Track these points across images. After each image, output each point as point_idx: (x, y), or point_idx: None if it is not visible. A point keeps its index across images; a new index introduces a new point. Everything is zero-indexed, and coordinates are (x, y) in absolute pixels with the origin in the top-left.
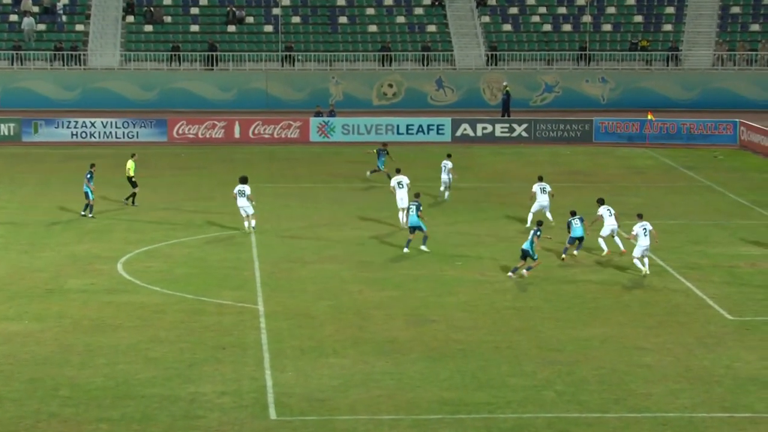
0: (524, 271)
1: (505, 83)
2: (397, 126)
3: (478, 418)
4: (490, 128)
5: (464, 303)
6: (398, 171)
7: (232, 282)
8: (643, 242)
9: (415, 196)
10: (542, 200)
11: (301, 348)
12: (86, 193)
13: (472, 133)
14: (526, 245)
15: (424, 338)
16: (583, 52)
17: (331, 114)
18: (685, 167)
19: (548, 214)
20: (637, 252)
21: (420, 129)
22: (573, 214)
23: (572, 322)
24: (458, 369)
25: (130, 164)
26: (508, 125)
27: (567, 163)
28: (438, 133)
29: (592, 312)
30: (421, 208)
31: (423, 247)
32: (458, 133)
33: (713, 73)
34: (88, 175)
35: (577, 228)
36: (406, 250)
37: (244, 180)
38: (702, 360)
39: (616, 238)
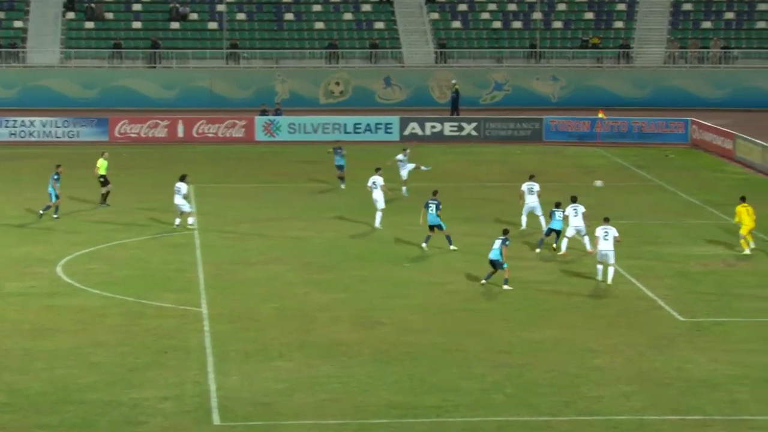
0: (505, 286)
1: (454, 81)
2: (345, 125)
3: (427, 422)
4: (439, 127)
5: (413, 305)
6: (377, 170)
7: (175, 284)
8: (603, 246)
9: (433, 193)
10: (530, 201)
11: (245, 351)
12: (50, 194)
13: (420, 132)
14: (493, 255)
15: (372, 341)
16: (533, 50)
17: (277, 113)
18: (637, 166)
19: (541, 218)
20: (599, 256)
21: (368, 128)
22: (557, 205)
23: (523, 324)
24: (407, 372)
25: (101, 162)
26: (457, 124)
27: (517, 163)
28: (386, 132)
29: (543, 314)
30: (441, 207)
31: (452, 247)
32: (406, 132)
33: (665, 71)
34: (55, 176)
35: (558, 221)
36: (424, 245)
37: (182, 178)
38: (653, 362)
39: (586, 238)
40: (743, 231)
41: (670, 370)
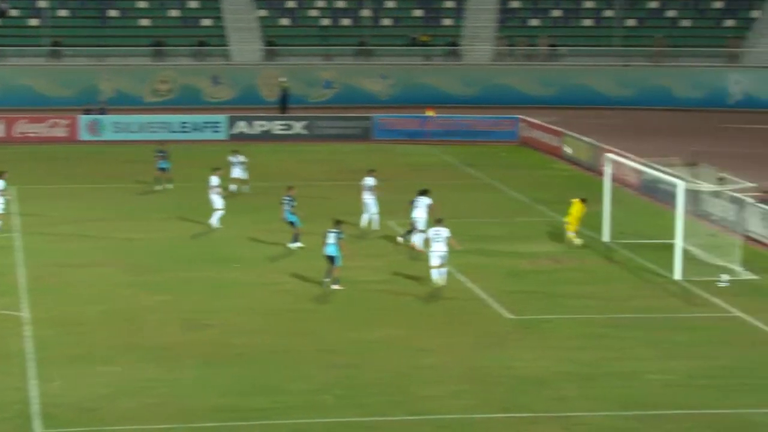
0: (334, 286)
1: (282, 79)
2: (171, 124)
3: (255, 424)
4: (267, 126)
5: (241, 306)
6: (215, 170)
7: None
8: (436, 248)
9: (288, 189)
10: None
11: (69, 356)
12: None
13: (249, 131)
14: (329, 250)
15: (200, 344)
16: (362, 47)
17: (102, 112)
18: (466, 164)
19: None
20: (433, 260)
21: (195, 127)
22: (422, 193)
23: (353, 324)
24: (235, 375)
25: None
26: (286, 123)
27: (346, 161)
28: (214, 131)
29: (373, 313)
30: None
31: (297, 244)
32: (235, 131)
33: (493, 69)
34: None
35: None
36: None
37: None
38: (483, 360)
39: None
40: (569, 228)
41: (500, 368)
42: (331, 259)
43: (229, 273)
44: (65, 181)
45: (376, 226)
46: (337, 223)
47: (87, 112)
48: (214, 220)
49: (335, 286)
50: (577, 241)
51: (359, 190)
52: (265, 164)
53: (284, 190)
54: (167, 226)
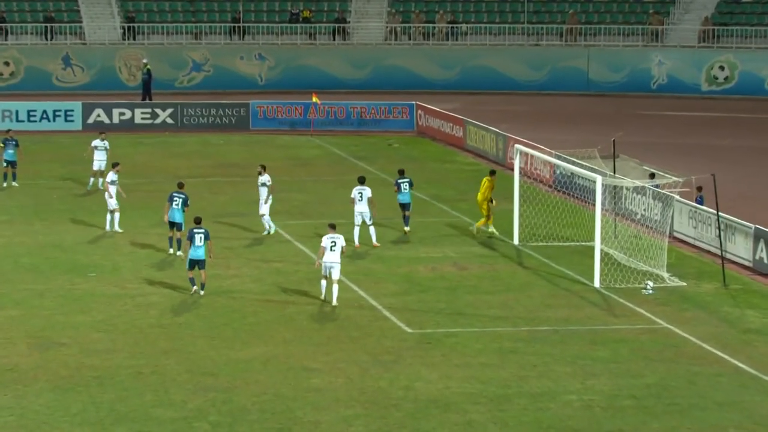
0: (201, 291)
1: (145, 61)
2: (17, 111)
3: None
4: (128, 114)
5: (100, 321)
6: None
7: None
8: (328, 258)
9: (178, 186)
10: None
11: None
12: None
13: (107, 120)
14: (196, 253)
15: (52, 365)
16: (236, 24)
17: None
18: (357, 157)
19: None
20: (323, 270)
21: (45, 115)
22: (401, 173)
23: (229, 340)
24: (93, 400)
25: None
26: (150, 110)
27: (220, 154)
28: (66, 120)
29: (252, 328)
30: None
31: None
32: (90, 120)
33: (386, 49)
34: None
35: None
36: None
37: None
38: (378, 380)
39: (372, 229)
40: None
41: (398, 389)
42: (197, 262)
43: (84, 283)
44: None
45: (268, 226)
46: (197, 220)
47: None
48: (116, 224)
49: (202, 292)
50: (487, 228)
51: (236, 187)
52: (126, 158)
53: (173, 186)
54: (10, 230)
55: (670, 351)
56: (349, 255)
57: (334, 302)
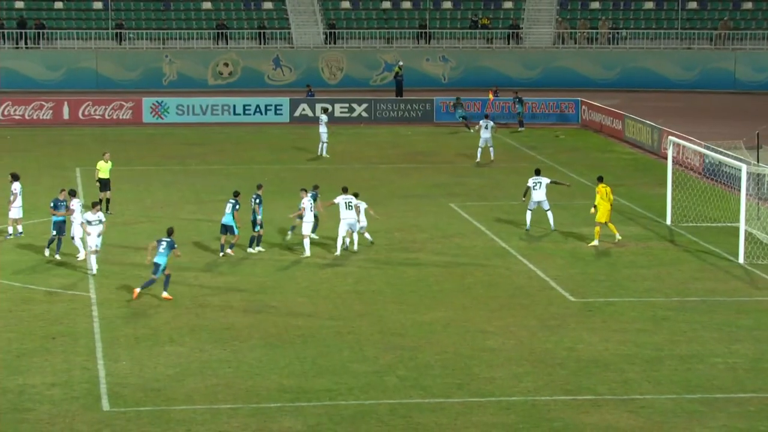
0: (229, 249)
1: (400, 63)
2: (234, 106)
3: (319, 405)
4: (329, 108)
5: (304, 288)
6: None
7: (63, 269)
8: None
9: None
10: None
11: (135, 336)
12: None
13: (311, 114)
14: (226, 219)
15: (263, 325)
16: (423, 30)
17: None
18: (528, 147)
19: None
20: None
21: (258, 109)
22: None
23: (415, 305)
24: (298, 356)
25: (101, 165)
26: (347, 105)
27: (408, 144)
28: (276, 114)
29: (435, 295)
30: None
31: (228, 251)
32: (297, 114)
33: (554, 52)
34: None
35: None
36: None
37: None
38: (545, 343)
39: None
40: (599, 218)
41: (562, 350)
42: (225, 227)
43: (291, 254)
44: (128, 163)
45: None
46: (236, 194)
47: (309, 94)
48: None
49: (229, 251)
50: (597, 241)
51: (421, 173)
52: (329, 146)
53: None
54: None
55: None
56: (521, 235)
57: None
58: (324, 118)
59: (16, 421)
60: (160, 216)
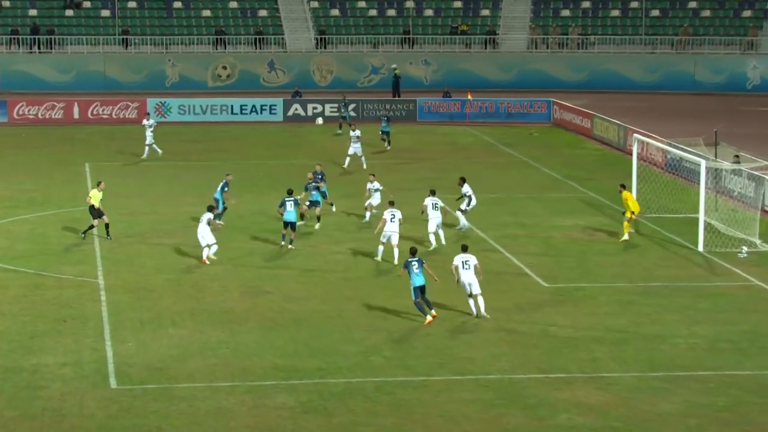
0: (290, 245)
1: (394, 66)
2: (232, 106)
3: (310, 383)
4: (320, 108)
5: (298, 274)
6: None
7: (73, 257)
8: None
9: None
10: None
11: (140, 320)
12: None
13: (303, 113)
14: (288, 216)
15: (259, 309)
16: (407, 36)
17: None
18: (504, 144)
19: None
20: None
21: (253, 109)
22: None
23: (399, 291)
24: (292, 337)
25: (93, 193)
26: (337, 105)
27: (393, 141)
28: (270, 113)
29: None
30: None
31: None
32: (290, 113)
33: (528, 56)
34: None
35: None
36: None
37: None
38: (520, 325)
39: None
40: (629, 214)
41: (536, 332)
42: (290, 225)
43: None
44: (134, 159)
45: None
46: (290, 192)
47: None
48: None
49: (291, 246)
50: (627, 235)
51: (405, 168)
52: (317, 144)
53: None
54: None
55: (762, 304)
56: (496, 223)
57: (395, 261)
58: (356, 133)
59: (30, 398)
60: (163, 208)
